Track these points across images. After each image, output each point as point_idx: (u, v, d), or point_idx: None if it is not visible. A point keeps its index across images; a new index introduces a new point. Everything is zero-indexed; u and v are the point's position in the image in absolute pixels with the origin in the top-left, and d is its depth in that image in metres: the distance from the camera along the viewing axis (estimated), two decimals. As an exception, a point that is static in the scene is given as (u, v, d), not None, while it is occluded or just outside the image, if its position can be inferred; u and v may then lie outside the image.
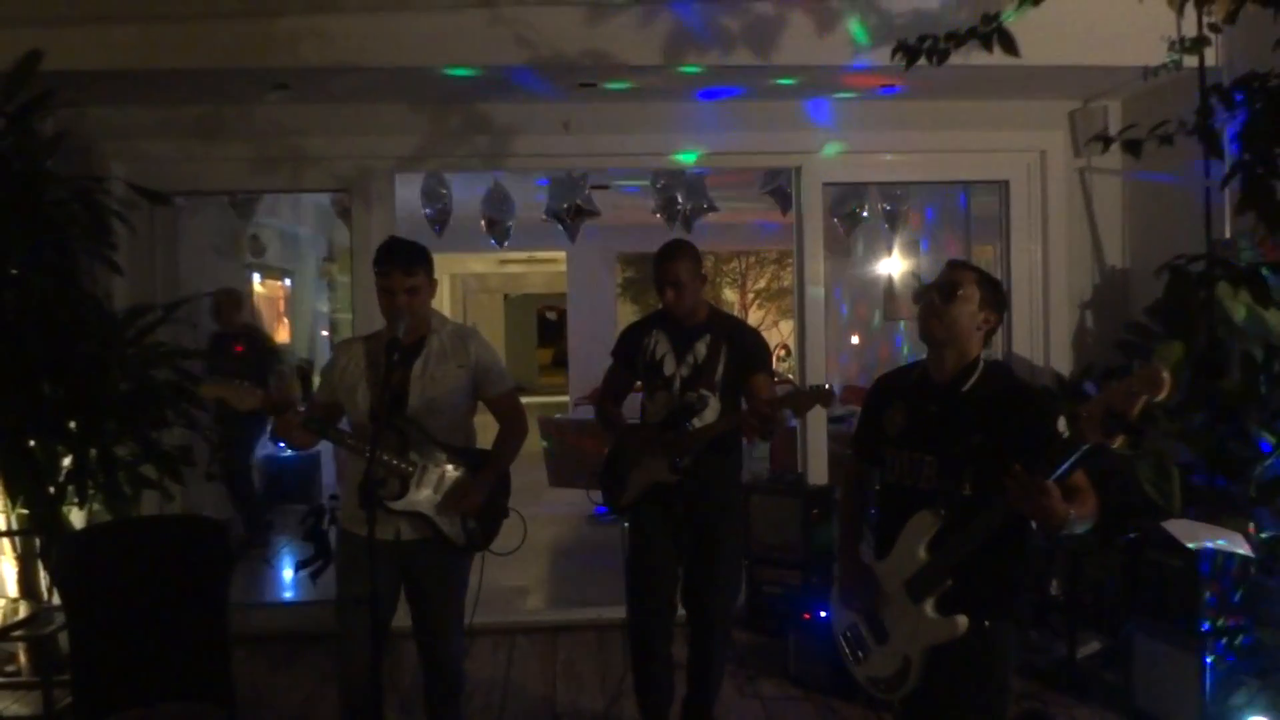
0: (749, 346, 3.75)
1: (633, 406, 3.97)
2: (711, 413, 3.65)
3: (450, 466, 3.32)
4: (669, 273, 3.67)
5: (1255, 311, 3.98)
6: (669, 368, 3.73)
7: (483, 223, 8.15)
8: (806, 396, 3.48)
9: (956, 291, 2.61)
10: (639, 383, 3.90)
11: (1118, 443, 2.22)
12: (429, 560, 3.32)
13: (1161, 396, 2.14)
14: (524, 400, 3.67)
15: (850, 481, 3.05)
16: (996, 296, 2.67)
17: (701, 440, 3.61)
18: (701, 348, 3.70)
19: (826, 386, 3.47)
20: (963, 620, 2.52)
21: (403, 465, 3.27)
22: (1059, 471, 2.31)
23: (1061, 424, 2.46)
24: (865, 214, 8.42)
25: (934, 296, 2.65)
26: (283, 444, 4.58)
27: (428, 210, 7.34)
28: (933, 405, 2.65)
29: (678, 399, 3.68)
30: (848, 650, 2.84)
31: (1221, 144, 3.18)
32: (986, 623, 2.54)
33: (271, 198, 7.77)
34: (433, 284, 3.37)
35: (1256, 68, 2.82)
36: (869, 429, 2.89)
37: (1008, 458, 2.41)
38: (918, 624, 2.59)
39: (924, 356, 2.75)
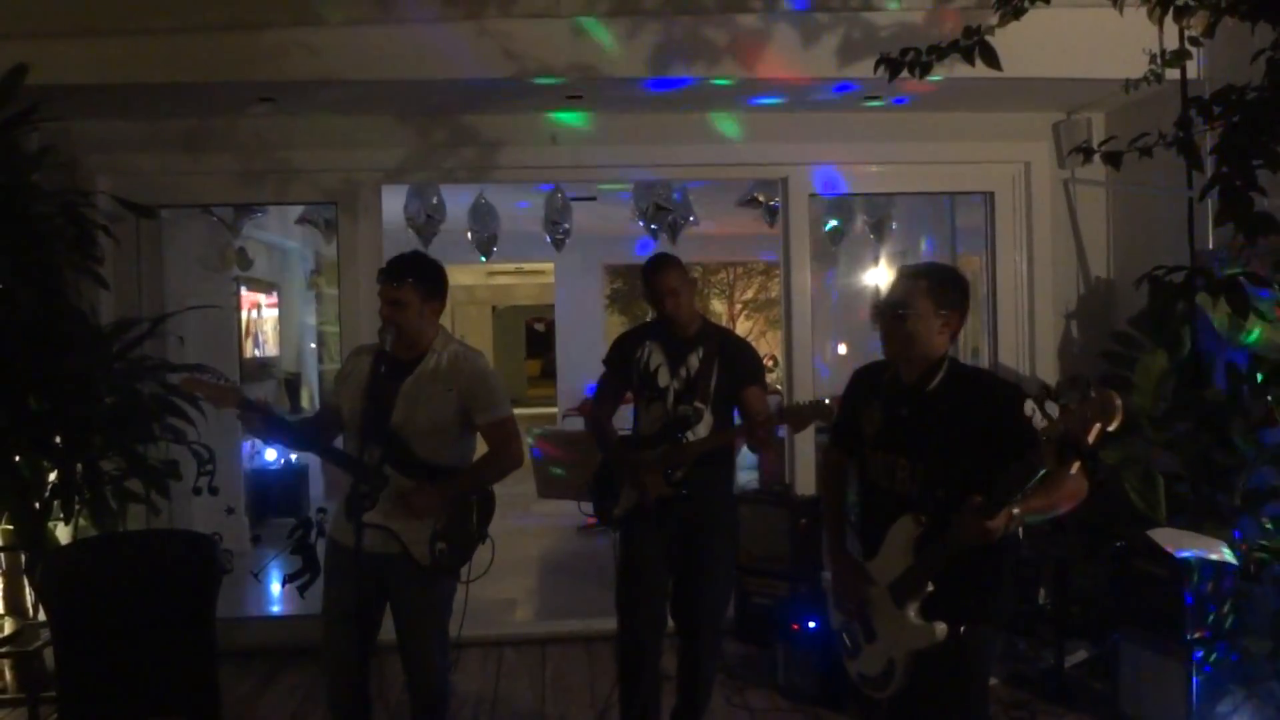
0: (742, 359, 3.77)
1: (621, 419, 3.97)
2: (705, 426, 3.66)
3: (423, 484, 3.25)
4: (664, 283, 3.69)
5: (1238, 321, 4.01)
6: (663, 379, 3.74)
7: (468, 235, 8.15)
8: (805, 412, 3.46)
9: (908, 310, 2.62)
10: (630, 393, 3.90)
11: (1074, 469, 2.24)
12: (401, 577, 3.27)
13: (1115, 425, 2.16)
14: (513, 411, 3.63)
15: (829, 474, 3.08)
16: (952, 295, 2.64)
17: (697, 454, 3.62)
18: (695, 360, 3.71)
19: (826, 401, 3.39)
20: (941, 627, 2.55)
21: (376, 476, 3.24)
22: (1013, 498, 2.35)
23: (1029, 407, 2.48)
24: (846, 225, 8.46)
25: (887, 318, 2.66)
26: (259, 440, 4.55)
27: (415, 220, 7.33)
28: (903, 408, 2.68)
29: (672, 412, 3.68)
30: (845, 643, 2.88)
31: (1201, 156, 3.20)
32: (962, 628, 2.56)
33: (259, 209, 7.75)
34: (430, 302, 3.32)
35: (1235, 80, 2.85)
36: (848, 422, 2.92)
37: (978, 453, 2.46)
38: (901, 628, 2.62)
39: None
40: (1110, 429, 2.16)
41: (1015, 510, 2.36)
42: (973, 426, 2.53)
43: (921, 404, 2.64)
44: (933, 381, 2.64)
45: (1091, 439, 2.17)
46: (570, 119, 5.28)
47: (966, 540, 2.41)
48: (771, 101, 5.10)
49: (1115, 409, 2.14)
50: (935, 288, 2.64)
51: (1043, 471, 2.30)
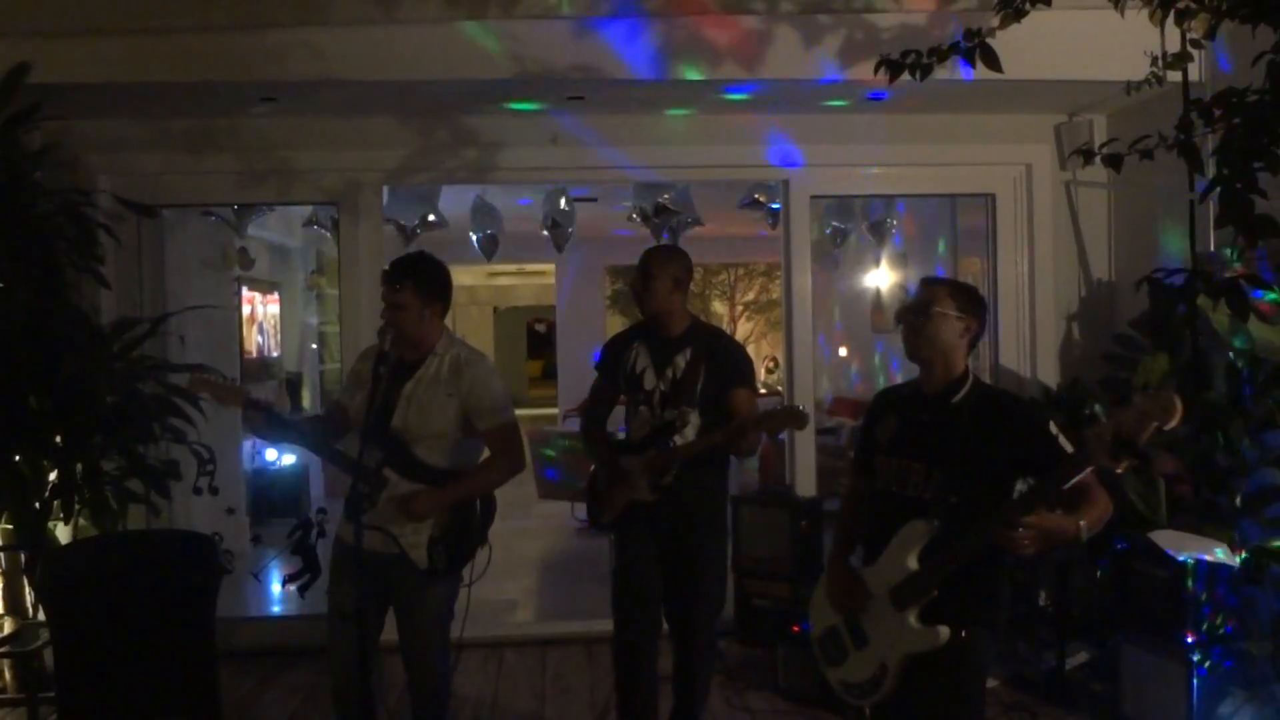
0: (730, 360, 3.70)
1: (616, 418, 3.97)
2: (692, 429, 3.61)
3: (421, 486, 3.26)
4: (642, 265, 3.68)
5: (1239, 323, 4.00)
6: (649, 382, 3.69)
7: (472, 236, 8.15)
8: (779, 418, 3.48)
9: (931, 309, 2.67)
10: (623, 396, 3.89)
11: (1123, 467, 2.23)
12: (401, 579, 3.28)
13: (1173, 423, 2.15)
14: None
15: (848, 494, 3.08)
16: (972, 304, 2.72)
17: (685, 458, 3.59)
18: (681, 361, 3.65)
19: (800, 408, 3.46)
20: (944, 631, 2.55)
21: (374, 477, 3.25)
22: (1047, 503, 2.37)
23: (1053, 427, 2.49)
24: (847, 227, 8.47)
25: (911, 317, 2.70)
26: (262, 439, 4.55)
27: (405, 224, 7.32)
28: (924, 414, 2.70)
29: (658, 417, 3.65)
30: (822, 653, 2.87)
31: (1202, 158, 3.20)
32: (963, 632, 2.56)
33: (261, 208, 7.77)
34: (431, 304, 3.31)
35: (1235, 83, 2.85)
36: (864, 442, 2.93)
37: (1000, 467, 2.50)
38: (899, 632, 2.61)
39: (917, 374, 2.79)
40: (1166, 428, 2.16)
41: (1082, 523, 2.38)
42: (997, 444, 2.56)
43: (944, 413, 2.65)
44: (956, 395, 2.66)
45: (1146, 438, 2.17)
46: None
47: (990, 540, 2.42)
48: (773, 99, 5.09)
49: (1175, 407, 2.14)
50: (956, 292, 2.72)
51: (1088, 468, 2.32)
